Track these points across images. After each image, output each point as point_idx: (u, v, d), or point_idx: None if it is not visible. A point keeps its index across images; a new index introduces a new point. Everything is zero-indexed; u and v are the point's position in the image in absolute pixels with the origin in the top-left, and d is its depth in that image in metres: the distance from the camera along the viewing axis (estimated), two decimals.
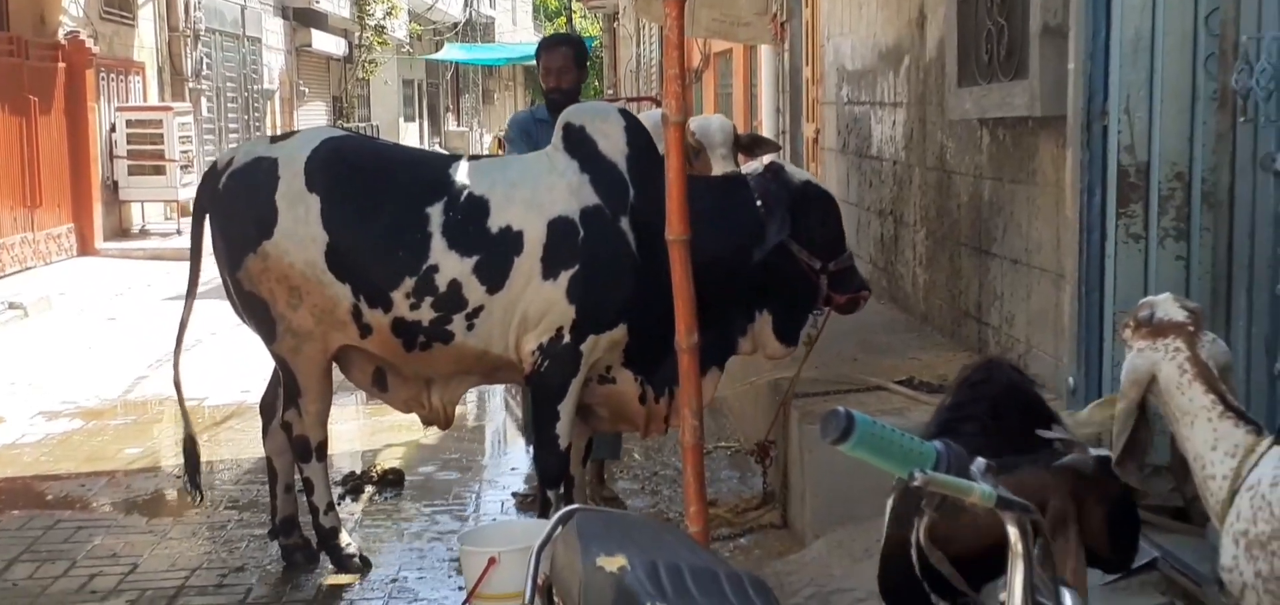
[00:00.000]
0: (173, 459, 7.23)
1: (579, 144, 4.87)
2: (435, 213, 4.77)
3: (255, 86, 24.21)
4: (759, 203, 4.83)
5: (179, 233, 17.39)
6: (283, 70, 26.53)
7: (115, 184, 17.66)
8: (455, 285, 4.74)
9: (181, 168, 17.67)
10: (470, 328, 4.77)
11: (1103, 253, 4.49)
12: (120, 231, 17.87)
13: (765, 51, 12.08)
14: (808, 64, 10.63)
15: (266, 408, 5.30)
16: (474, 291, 4.74)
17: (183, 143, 17.95)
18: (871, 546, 4.69)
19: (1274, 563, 2.40)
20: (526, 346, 4.79)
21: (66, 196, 16.18)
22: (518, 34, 46.87)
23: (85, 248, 16.42)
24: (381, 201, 4.81)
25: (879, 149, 7.85)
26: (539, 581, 2.50)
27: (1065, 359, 4.70)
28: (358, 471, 6.58)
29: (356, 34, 30.88)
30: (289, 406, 5.04)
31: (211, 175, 5.09)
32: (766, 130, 11.82)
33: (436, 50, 37.63)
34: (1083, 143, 4.48)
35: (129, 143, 17.59)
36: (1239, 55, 3.89)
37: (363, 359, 5.01)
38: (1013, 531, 2.07)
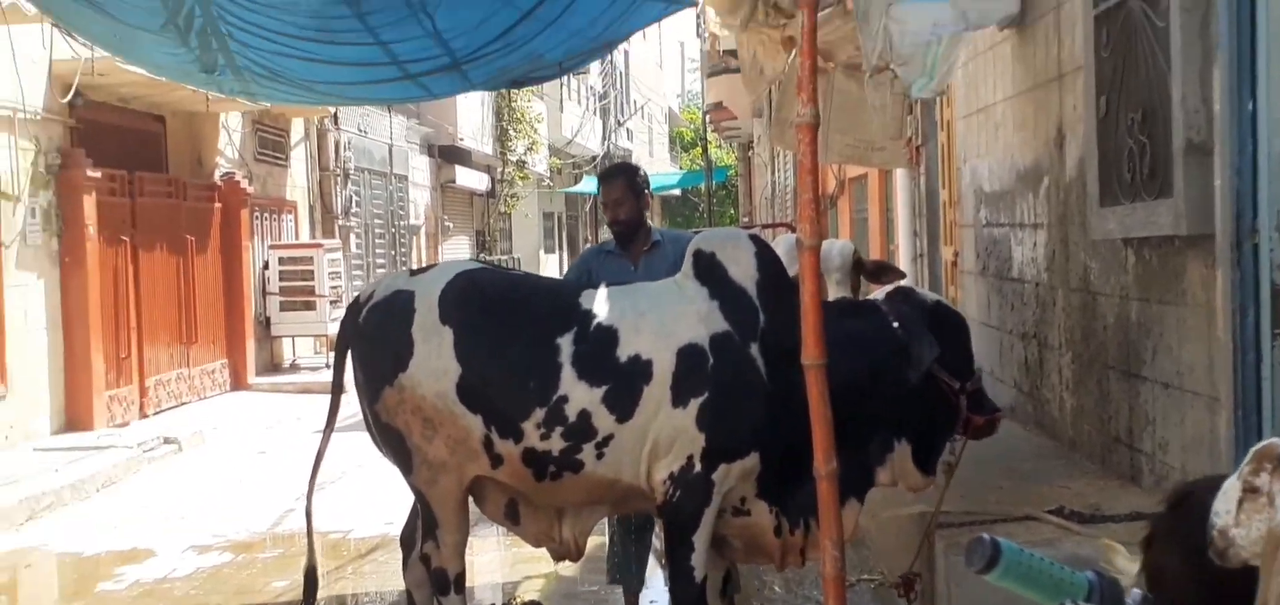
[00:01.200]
0: (322, 592, 7.33)
1: (709, 270, 4.88)
2: (565, 343, 4.79)
3: (402, 222, 24.88)
4: (896, 325, 4.78)
5: (328, 366, 17.81)
6: (428, 206, 27.24)
7: (268, 319, 18.20)
8: (585, 415, 4.75)
9: (331, 303, 18.17)
10: (600, 457, 4.77)
11: (1258, 375, 4.32)
12: (272, 366, 18.39)
13: (901, 175, 12.02)
14: (944, 186, 10.54)
15: (406, 540, 5.35)
16: (604, 420, 4.74)
17: (332, 278, 18.45)
18: None
19: None
20: (657, 476, 4.77)
21: (221, 332, 16.72)
22: (654, 164, 47.48)
23: (238, 382, 16.91)
24: (512, 332, 4.85)
25: (1020, 271, 7.71)
26: None
27: None
28: (499, 603, 6.58)
29: (499, 169, 31.63)
30: (427, 538, 5.08)
31: (354, 309, 5.22)
32: (903, 253, 11.72)
33: (575, 183, 38.32)
34: (1233, 261, 4.34)
35: (281, 279, 18.14)
36: None
37: (496, 490, 5.04)
38: None
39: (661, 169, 44.78)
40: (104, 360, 13.30)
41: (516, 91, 29.39)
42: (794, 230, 9.62)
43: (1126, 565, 2.89)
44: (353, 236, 21.65)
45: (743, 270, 4.87)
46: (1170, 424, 5.34)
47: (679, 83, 58.08)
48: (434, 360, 4.86)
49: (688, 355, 4.73)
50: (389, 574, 7.36)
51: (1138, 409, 5.72)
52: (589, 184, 37.54)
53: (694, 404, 4.71)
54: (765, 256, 4.96)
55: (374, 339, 5.03)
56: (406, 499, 5.35)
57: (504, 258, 30.73)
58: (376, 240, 23.20)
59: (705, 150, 37.38)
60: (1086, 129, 5.97)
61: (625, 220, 5.81)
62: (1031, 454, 6.81)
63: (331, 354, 17.63)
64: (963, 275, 9.63)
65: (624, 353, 4.77)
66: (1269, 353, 4.27)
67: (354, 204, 21.74)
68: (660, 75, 51.81)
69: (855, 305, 5.32)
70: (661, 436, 4.74)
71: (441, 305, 4.91)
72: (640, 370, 4.74)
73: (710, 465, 4.72)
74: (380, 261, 23.04)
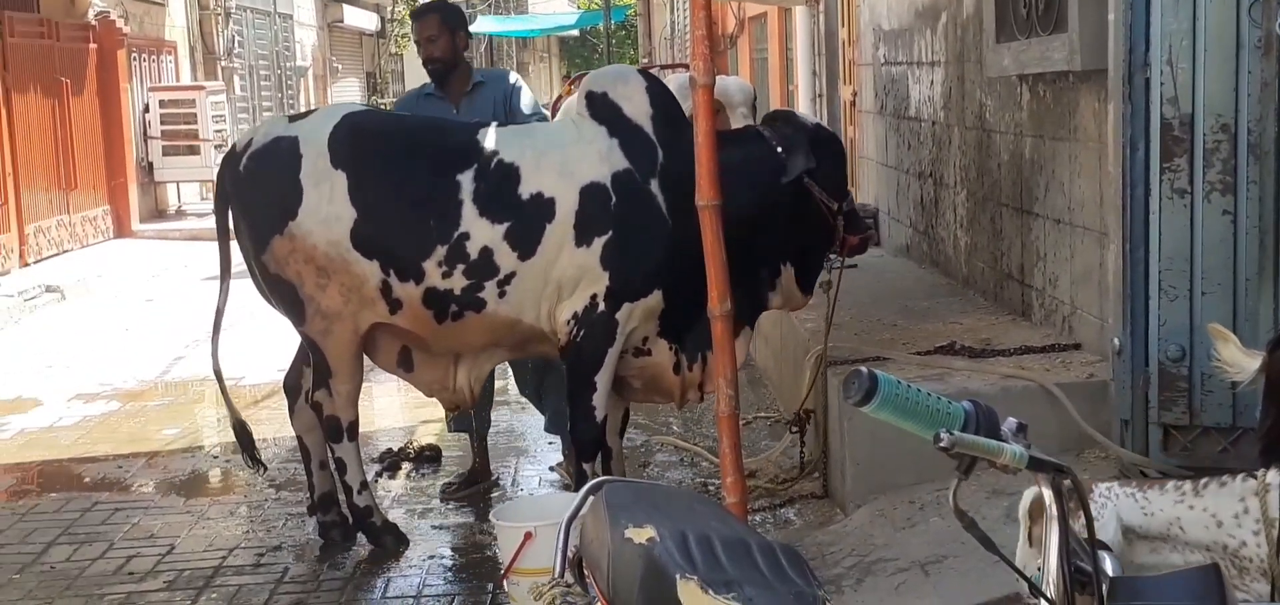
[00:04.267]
0: (211, 439, 7.23)
1: (604, 109, 4.82)
2: (466, 179, 4.72)
3: (288, 64, 24.24)
4: (779, 148, 4.79)
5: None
6: (315, 47, 26.54)
7: (150, 165, 17.72)
8: (487, 252, 4.69)
9: (216, 147, 17.70)
10: (502, 295, 4.73)
11: (1147, 209, 4.36)
12: (156, 213, 17.94)
13: (800, 14, 11.94)
14: (843, 25, 10.49)
15: (291, 387, 5.27)
16: (506, 258, 4.69)
17: (216, 122, 17.98)
18: (913, 515, 4.61)
19: None
20: (561, 315, 4.75)
21: (101, 178, 16.23)
22: (551, 4, 46.71)
23: (121, 229, 16.48)
24: (410, 172, 4.76)
25: (917, 109, 7.72)
26: (569, 555, 2.43)
27: (1110, 319, 4.58)
28: (395, 448, 6.55)
29: (389, 8, 30.87)
30: (319, 387, 4.99)
31: (231, 158, 5.04)
32: (803, 93, 11.70)
33: (469, 22, 37.52)
34: (1125, 96, 4.35)
35: (163, 123, 17.64)
36: None
37: (389, 339, 4.96)
38: (1047, 493, 1.98)
39: (560, 8, 44.05)
40: None
41: None
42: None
43: (1240, 358, 2.76)
44: (237, 78, 21.05)
45: (637, 107, 4.81)
46: (1060, 259, 5.42)
47: None
48: (326, 207, 4.73)
49: (590, 194, 4.69)
50: (284, 421, 7.23)
51: (1029, 245, 5.80)
52: (484, 23, 36.80)
53: (598, 243, 4.67)
54: (657, 91, 4.91)
55: (258, 188, 4.88)
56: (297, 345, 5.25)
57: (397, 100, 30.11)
58: (262, 83, 22.58)
59: None
60: None
61: (439, 58, 5.65)
62: (926, 291, 6.89)
63: None
64: (861, 115, 9.63)
65: (526, 190, 4.71)
66: (1157, 186, 4.32)
67: (237, 45, 21.09)
68: None
69: (738, 134, 5.28)
70: (565, 276, 4.70)
71: (332, 149, 4.77)
72: (543, 208, 4.69)
73: (614, 304, 4.71)
74: (266, 105, 22.46)
